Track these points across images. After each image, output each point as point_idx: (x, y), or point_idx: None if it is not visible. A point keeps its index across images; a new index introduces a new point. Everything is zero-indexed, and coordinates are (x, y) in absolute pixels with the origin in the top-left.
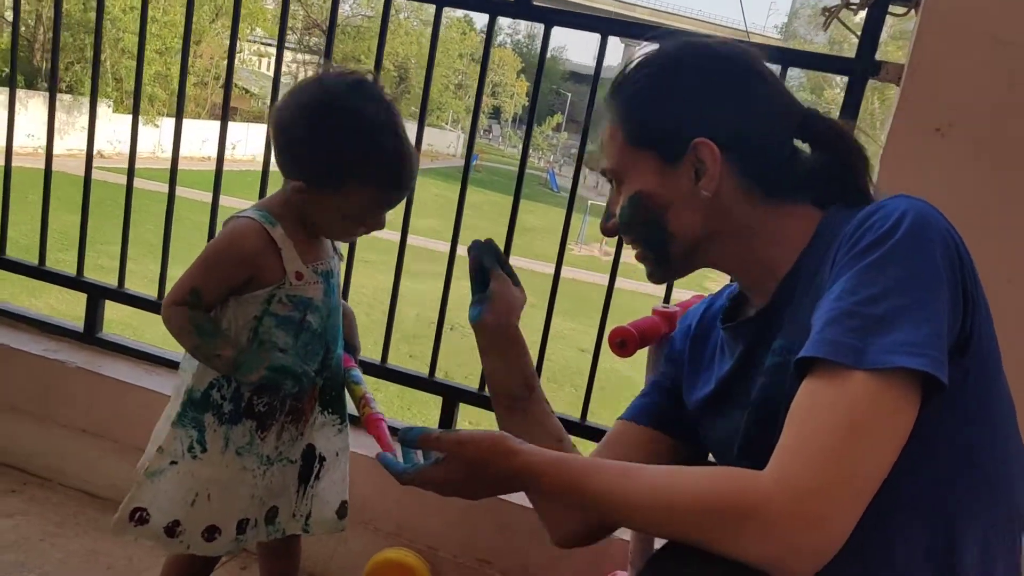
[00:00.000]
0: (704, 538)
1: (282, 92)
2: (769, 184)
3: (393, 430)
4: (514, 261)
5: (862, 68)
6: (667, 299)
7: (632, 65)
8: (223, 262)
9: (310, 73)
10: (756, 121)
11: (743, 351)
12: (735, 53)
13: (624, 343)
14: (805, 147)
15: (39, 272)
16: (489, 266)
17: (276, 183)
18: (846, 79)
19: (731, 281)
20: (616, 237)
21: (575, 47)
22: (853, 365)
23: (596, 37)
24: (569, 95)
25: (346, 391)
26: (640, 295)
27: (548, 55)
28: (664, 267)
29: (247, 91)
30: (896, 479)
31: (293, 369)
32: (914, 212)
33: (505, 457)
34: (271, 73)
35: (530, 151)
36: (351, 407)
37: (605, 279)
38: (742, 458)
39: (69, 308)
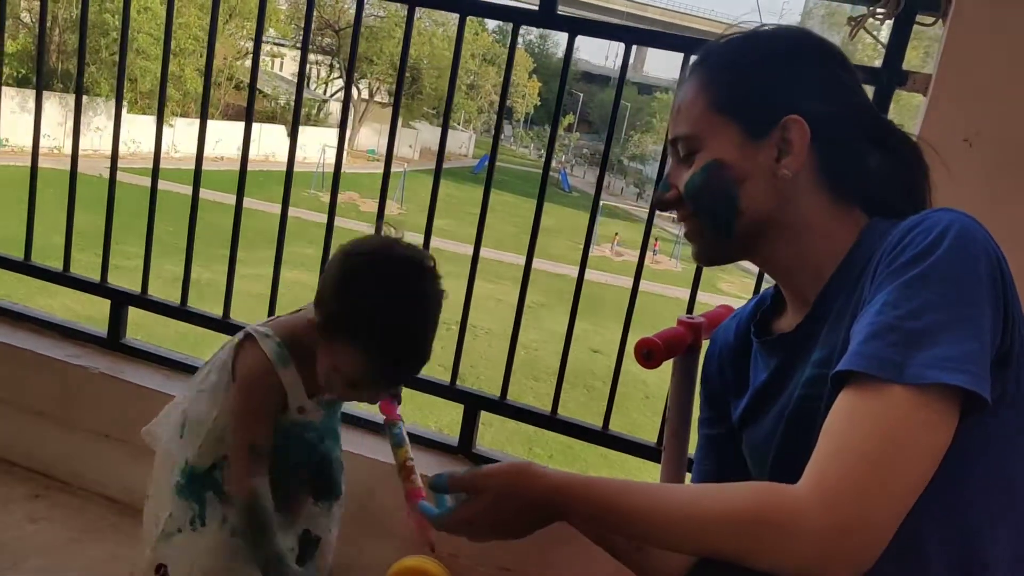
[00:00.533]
0: (739, 553)
1: (294, 92)
2: (840, 180)
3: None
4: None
5: (889, 78)
6: (691, 307)
7: (728, 34)
8: (254, 407)
9: (323, 74)
10: (845, 112)
11: (779, 363)
12: (828, 42)
13: (650, 354)
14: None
15: (64, 278)
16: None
17: (296, 183)
18: (871, 88)
19: (763, 289)
20: (649, 228)
21: (587, 47)
22: (892, 379)
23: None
24: (581, 95)
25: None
26: (656, 296)
27: (561, 56)
28: (719, 246)
29: (260, 92)
30: (931, 495)
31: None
32: (958, 226)
33: (531, 481)
34: (283, 73)
35: (542, 151)
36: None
37: (616, 279)
38: (776, 469)
39: (85, 309)
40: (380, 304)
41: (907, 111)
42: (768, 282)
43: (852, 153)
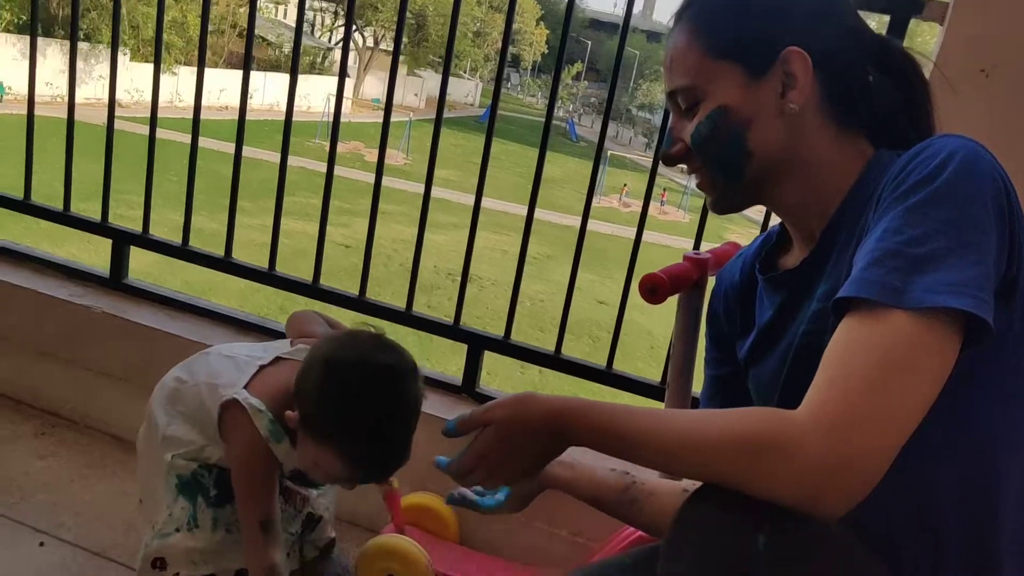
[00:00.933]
0: (736, 477)
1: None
2: (844, 108)
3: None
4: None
5: (905, 7)
6: (697, 247)
7: None
8: (255, 480)
9: (327, 22)
10: (844, 36)
11: (784, 299)
12: None
13: (655, 290)
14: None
15: (64, 218)
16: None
17: (300, 133)
18: (886, 18)
19: (768, 228)
20: (652, 178)
21: None
22: (893, 304)
23: None
24: (589, 43)
25: None
26: (661, 248)
27: (567, 1)
28: (732, 193)
29: (264, 40)
30: (932, 421)
31: None
32: (963, 151)
33: (534, 406)
34: (287, 20)
35: (548, 99)
36: None
37: (623, 230)
38: (781, 406)
39: (89, 259)
40: (363, 418)
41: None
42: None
43: (854, 77)
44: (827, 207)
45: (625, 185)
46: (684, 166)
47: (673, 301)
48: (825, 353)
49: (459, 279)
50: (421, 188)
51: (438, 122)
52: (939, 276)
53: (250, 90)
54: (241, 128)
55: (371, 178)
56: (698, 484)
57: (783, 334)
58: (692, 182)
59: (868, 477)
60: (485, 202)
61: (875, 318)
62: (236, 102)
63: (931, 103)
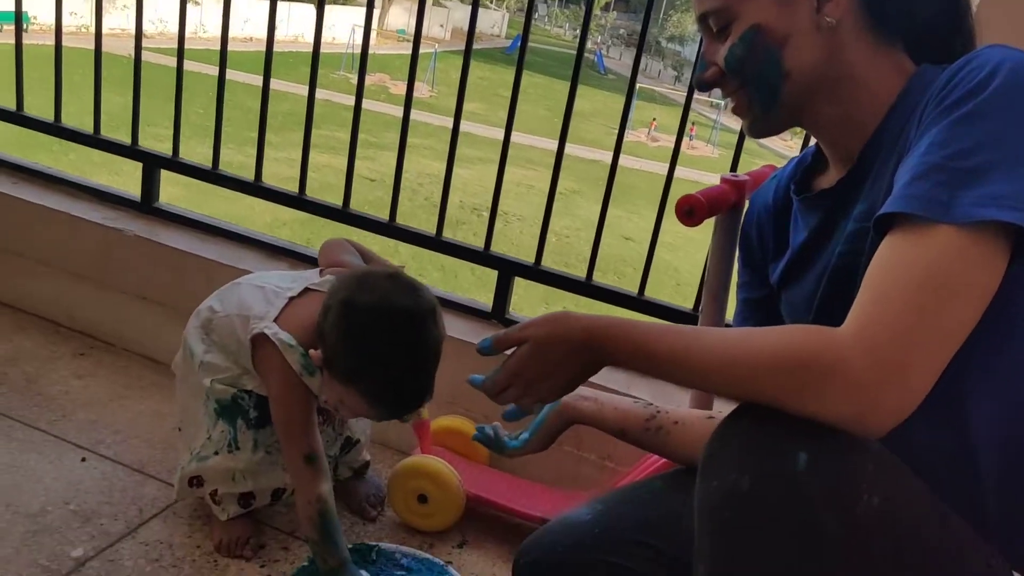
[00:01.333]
0: (777, 396)
1: None
2: (883, 20)
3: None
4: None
5: None
6: (734, 171)
7: None
8: (294, 413)
9: None
10: None
11: (820, 220)
12: None
13: (692, 211)
14: None
15: (94, 141)
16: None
17: (324, 65)
18: None
19: (805, 148)
20: (687, 105)
21: None
22: (938, 219)
23: None
24: None
25: None
26: (690, 183)
27: None
28: (769, 115)
29: None
30: (975, 340)
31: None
32: (1011, 62)
33: (570, 323)
34: None
35: (576, 31)
36: None
37: (651, 165)
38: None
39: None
40: (382, 361)
41: None
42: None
43: None
44: (867, 125)
45: (654, 119)
46: (718, 91)
47: (704, 234)
48: (868, 271)
49: (484, 214)
50: (446, 121)
51: (467, 56)
52: (986, 189)
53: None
54: (270, 49)
55: (396, 111)
56: (725, 412)
57: (818, 256)
58: (721, 116)
59: (913, 393)
60: (512, 136)
61: (920, 234)
62: (260, 33)
63: (972, 15)
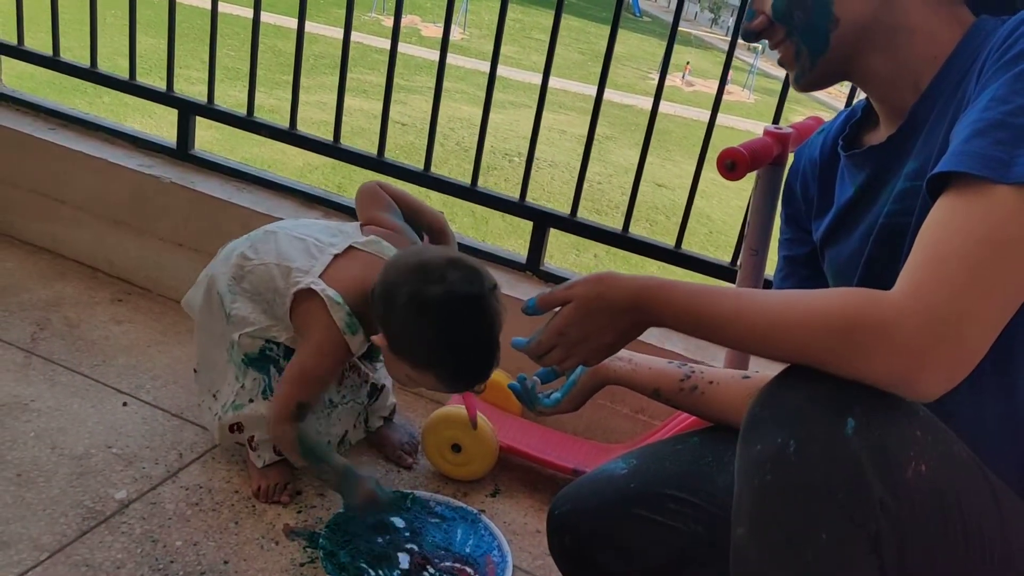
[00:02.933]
0: (828, 359)
1: None
2: None
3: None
4: (593, 92)
5: None
6: (776, 122)
7: None
8: (320, 373)
9: None
10: None
11: (867, 177)
12: None
13: (734, 165)
14: None
15: (130, 87)
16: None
17: (356, 7)
18: None
19: (853, 99)
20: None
21: None
22: (997, 179)
23: None
24: None
25: None
26: (725, 129)
27: None
28: (817, 66)
29: None
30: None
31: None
32: None
33: (615, 282)
34: None
35: None
36: None
37: (685, 110)
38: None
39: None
40: (458, 349)
41: None
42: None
43: None
44: (920, 78)
45: (688, 63)
46: (765, 42)
47: (739, 183)
48: (921, 231)
49: (516, 160)
50: (478, 64)
51: (503, 8)
52: None
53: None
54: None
55: (427, 54)
56: (757, 372)
57: (865, 214)
58: (759, 60)
59: (969, 356)
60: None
61: (977, 193)
62: None
63: None
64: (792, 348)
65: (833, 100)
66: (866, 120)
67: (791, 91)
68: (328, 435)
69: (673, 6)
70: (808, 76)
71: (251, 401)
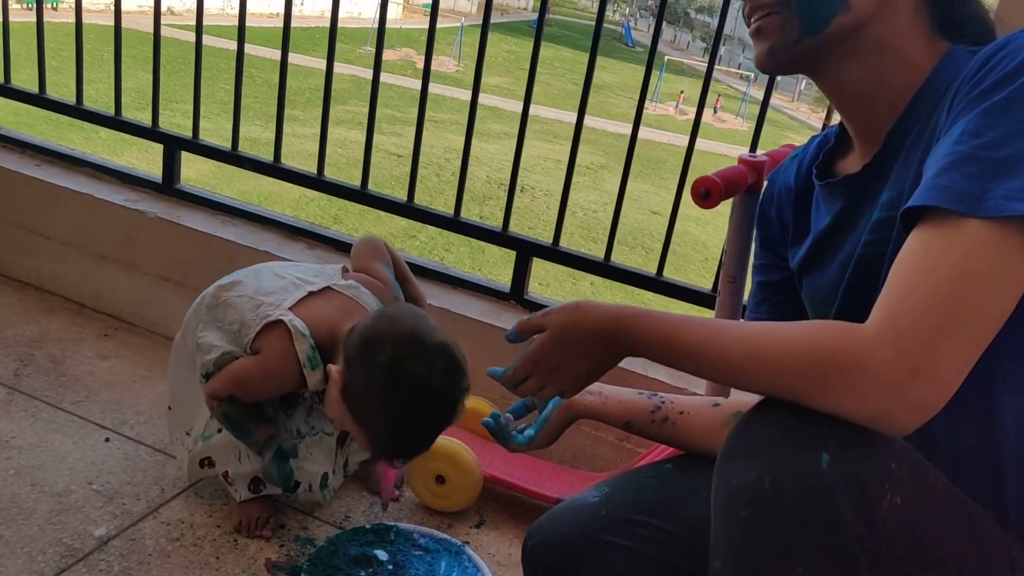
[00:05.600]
0: (801, 392)
1: None
2: (942, 11)
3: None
4: (587, 121)
5: None
6: (753, 150)
7: None
8: (260, 387)
9: None
10: None
11: (843, 206)
12: None
13: (708, 193)
14: None
15: (116, 123)
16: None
17: (351, 40)
18: None
19: (824, 129)
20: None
21: None
22: (969, 213)
23: None
24: None
25: None
26: (717, 156)
27: None
28: (798, 44)
29: None
30: (1004, 335)
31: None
32: None
33: (590, 311)
34: None
35: (606, 2)
36: None
37: (679, 139)
38: (840, 318)
39: (143, 168)
40: (404, 432)
41: None
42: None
43: None
44: (895, 103)
45: (681, 92)
46: (748, 63)
47: (726, 209)
48: (894, 265)
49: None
50: (469, 95)
51: (485, 25)
52: (1019, 182)
53: None
54: (288, 24)
55: (417, 85)
56: (727, 398)
57: (842, 243)
58: (751, 88)
59: (942, 390)
60: (538, 110)
61: (949, 227)
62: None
63: None
64: (766, 381)
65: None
66: (839, 147)
67: (776, 115)
68: (306, 471)
69: (667, 36)
70: (782, 54)
71: (219, 431)
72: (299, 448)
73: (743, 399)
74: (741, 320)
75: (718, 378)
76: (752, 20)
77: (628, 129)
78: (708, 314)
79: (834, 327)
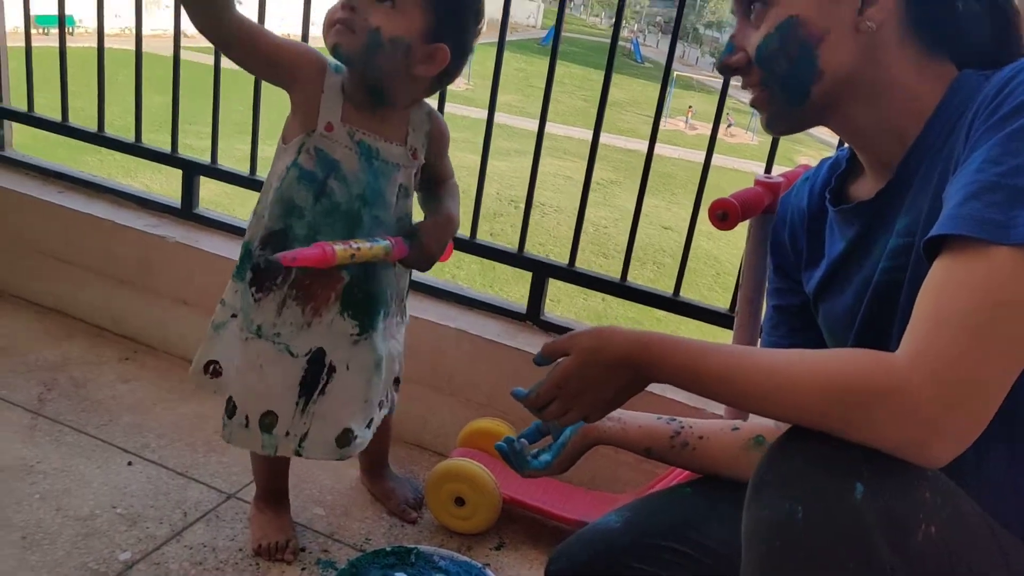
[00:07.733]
0: (833, 423)
1: None
2: (928, 28)
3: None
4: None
5: None
6: (768, 171)
7: None
8: (281, 45)
9: None
10: None
11: (858, 232)
12: None
13: (725, 215)
14: None
15: (135, 149)
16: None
17: None
18: None
19: (839, 149)
20: (722, 96)
21: None
22: (996, 241)
23: None
24: None
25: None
26: (728, 171)
27: None
28: (791, 114)
29: None
30: None
31: None
32: None
33: (614, 337)
34: None
35: (612, 19)
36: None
37: (689, 154)
38: (859, 343)
39: (161, 188)
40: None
41: None
42: None
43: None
44: (904, 134)
45: (691, 107)
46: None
47: (742, 227)
48: (921, 294)
49: (522, 206)
50: (483, 114)
51: (500, 44)
52: None
53: (311, 17)
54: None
55: (433, 104)
56: (746, 421)
57: (858, 269)
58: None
59: (978, 422)
60: (548, 127)
61: (976, 256)
62: (298, 30)
63: (1020, 24)
64: (796, 410)
65: (834, 139)
66: (851, 170)
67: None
68: (251, 397)
69: (677, 52)
70: (781, 123)
71: (233, 316)
72: (249, 349)
73: (762, 423)
74: (763, 348)
75: (745, 406)
76: (747, 90)
77: (638, 144)
78: (725, 335)
79: (866, 358)
